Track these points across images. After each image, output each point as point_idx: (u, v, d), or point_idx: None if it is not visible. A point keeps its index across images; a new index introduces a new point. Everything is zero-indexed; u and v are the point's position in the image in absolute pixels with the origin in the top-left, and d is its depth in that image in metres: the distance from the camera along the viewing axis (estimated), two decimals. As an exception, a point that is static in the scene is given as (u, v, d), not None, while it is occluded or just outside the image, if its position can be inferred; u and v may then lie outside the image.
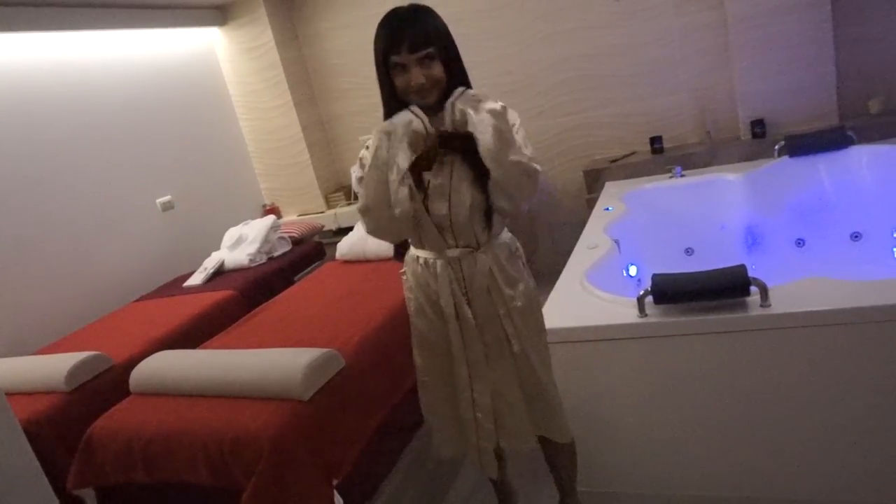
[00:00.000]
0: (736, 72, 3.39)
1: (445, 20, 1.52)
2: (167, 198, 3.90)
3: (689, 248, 3.15)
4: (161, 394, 2.19)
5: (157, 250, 3.81)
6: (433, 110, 1.49)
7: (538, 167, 1.50)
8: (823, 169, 3.00)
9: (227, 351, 2.32)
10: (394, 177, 1.44)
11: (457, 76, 1.51)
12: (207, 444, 1.87)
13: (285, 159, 4.55)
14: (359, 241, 3.34)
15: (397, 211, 1.46)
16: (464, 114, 1.44)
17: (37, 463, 1.00)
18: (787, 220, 3.03)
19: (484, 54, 3.95)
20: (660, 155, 3.58)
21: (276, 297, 3.07)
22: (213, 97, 4.40)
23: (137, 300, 3.48)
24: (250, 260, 3.62)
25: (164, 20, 3.89)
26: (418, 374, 1.77)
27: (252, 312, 2.92)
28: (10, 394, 2.37)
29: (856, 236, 2.95)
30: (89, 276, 3.39)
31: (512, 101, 3.87)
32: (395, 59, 1.43)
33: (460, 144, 1.47)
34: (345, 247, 3.39)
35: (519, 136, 1.50)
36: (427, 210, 1.53)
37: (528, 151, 1.49)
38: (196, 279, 3.54)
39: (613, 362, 1.94)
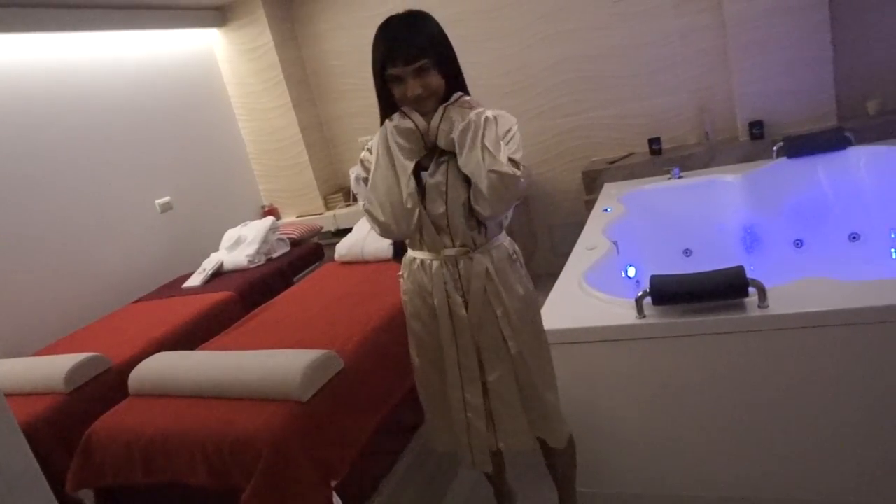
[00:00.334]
0: (734, 73, 3.40)
1: (445, 21, 1.53)
2: (166, 199, 3.90)
3: (688, 249, 3.15)
4: (160, 395, 2.19)
5: (156, 251, 3.81)
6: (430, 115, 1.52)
7: (517, 172, 1.47)
8: (822, 170, 3.00)
9: (226, 352, 2.32)
10: (401, 172, 1.50)
11: (454, 82, 1.52)
12: (206, 445, 1.87)
13: (284, 160, 4.55)
14: (357, 243, 3.34)
15: (410, 203, 1.49)
16: (450, 120, 1.48)
17: (36, 464, 1.00)
18: (786, 220, 3.03)
19: (483, 55, 3.96)
20: (658, 156, 3.58)
21: (275, 299, 3.07)
22: (212, 98, 4.40)
23: (136, 301, 3.48)
24: (249, 261, 3.62)
25: (163, 21, 3.89)
26: (415, 373, 1.79)
27: (251, 314, 2.92)
28: (10, 395, 2.37)
29: (854, 237, 2.95)
30: (88, 277, 3.39)
31: (511, 102, 3.93)
32: (391, 71, 1.46)
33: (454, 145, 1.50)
34: (343, 248, 3.39)
35: (513, 142, 1.52)
36: (425, 209, 1.55)
37: (516, 156, 1.49)
38: (195, 280, 3.54)
39: (612, 363, 1.94)
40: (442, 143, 1.51)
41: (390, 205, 1.51)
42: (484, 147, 1.45)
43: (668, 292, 1.85)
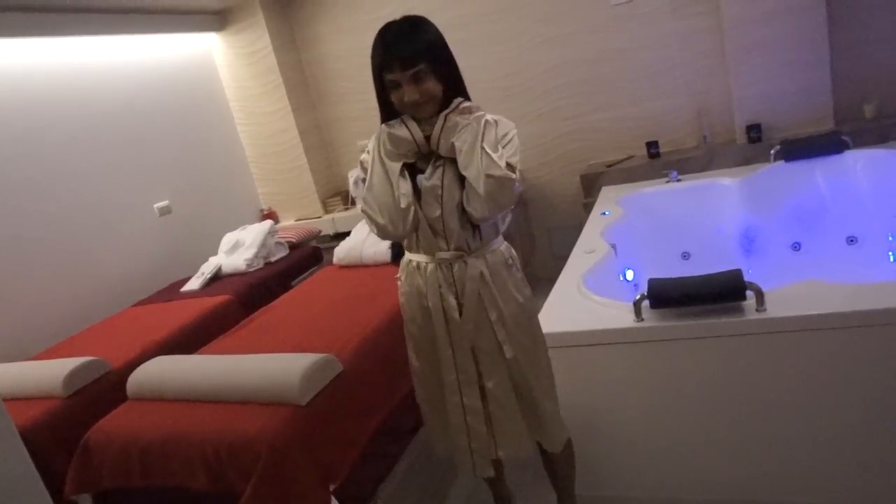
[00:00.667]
0: (732, 76, 3.40)
1: (445, 25, 1.54)
2: (165, 202, 3.90)
3: (686, 253, 3.16)
4: (158, 399, 2.19)
5: (154, 255, 3.80)
6: (428, 121, 1.53)
7: (512, 176, 1.48)
8: (819, 173, 3.01)
9: (224, 356, 2.31)
10: (393, 175, 1.52)
11: (453, 88, 1.53)
12: (205, 448, 1.87)
13: (283, 164, 4.55)
14: (356, 246, 3.34)
15: (403, 203, 1.51)
16: (450, 130, 1.49)
17: (34, 469, 1.00)
18: (784, 224, 3.04)
19: (483, 58, 3.96)
20: (656, 159, 3.58)
21: (274, 302, 3.07)
22: (211, 102, 4.40)
23: (135, 305, 3.48)
24: (248, 265, 3.62)
25: (162, 25, 3.89)
26: (413, 376, 1.79)
27: (249, 317, 2.92)
28: (8, 399, 2.36)
29: (852, 240, 2.96)
30: (86, 281, 3.38)
31: (510, 106, 3.94)
32: (388, 76, 1.47)
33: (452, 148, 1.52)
34: (342, 251, 3.39)
35: (511, 147, 1.53)
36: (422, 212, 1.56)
37: (513, 161, 1.51)
38: (193, 284, 3.54)
39: (610, 366, 1.94)
40: (443, 152, 1.52)
41: (387, 206, 1.53)
42: (483, 150, 1.47)
43: (666, 295, 1.85)
